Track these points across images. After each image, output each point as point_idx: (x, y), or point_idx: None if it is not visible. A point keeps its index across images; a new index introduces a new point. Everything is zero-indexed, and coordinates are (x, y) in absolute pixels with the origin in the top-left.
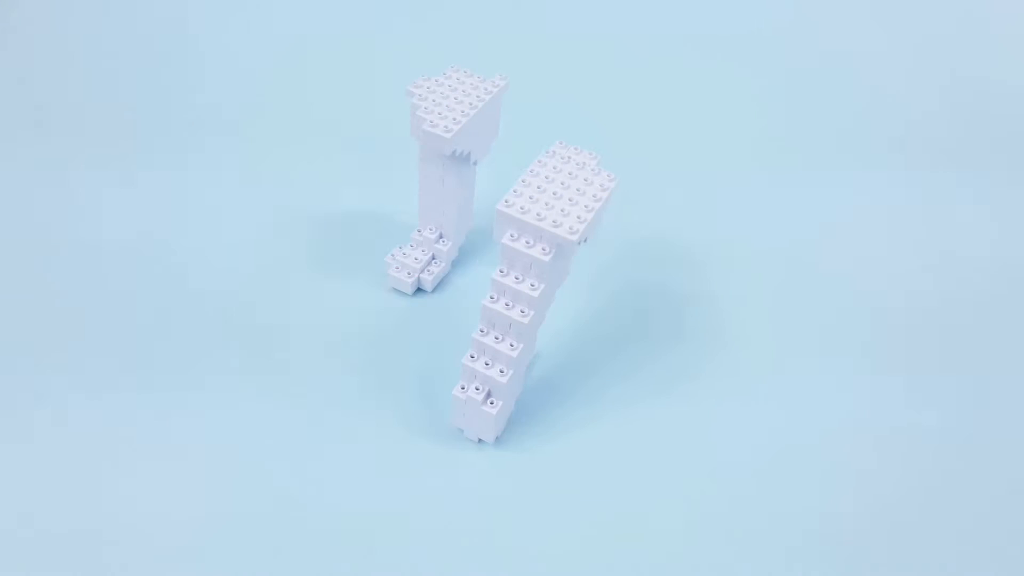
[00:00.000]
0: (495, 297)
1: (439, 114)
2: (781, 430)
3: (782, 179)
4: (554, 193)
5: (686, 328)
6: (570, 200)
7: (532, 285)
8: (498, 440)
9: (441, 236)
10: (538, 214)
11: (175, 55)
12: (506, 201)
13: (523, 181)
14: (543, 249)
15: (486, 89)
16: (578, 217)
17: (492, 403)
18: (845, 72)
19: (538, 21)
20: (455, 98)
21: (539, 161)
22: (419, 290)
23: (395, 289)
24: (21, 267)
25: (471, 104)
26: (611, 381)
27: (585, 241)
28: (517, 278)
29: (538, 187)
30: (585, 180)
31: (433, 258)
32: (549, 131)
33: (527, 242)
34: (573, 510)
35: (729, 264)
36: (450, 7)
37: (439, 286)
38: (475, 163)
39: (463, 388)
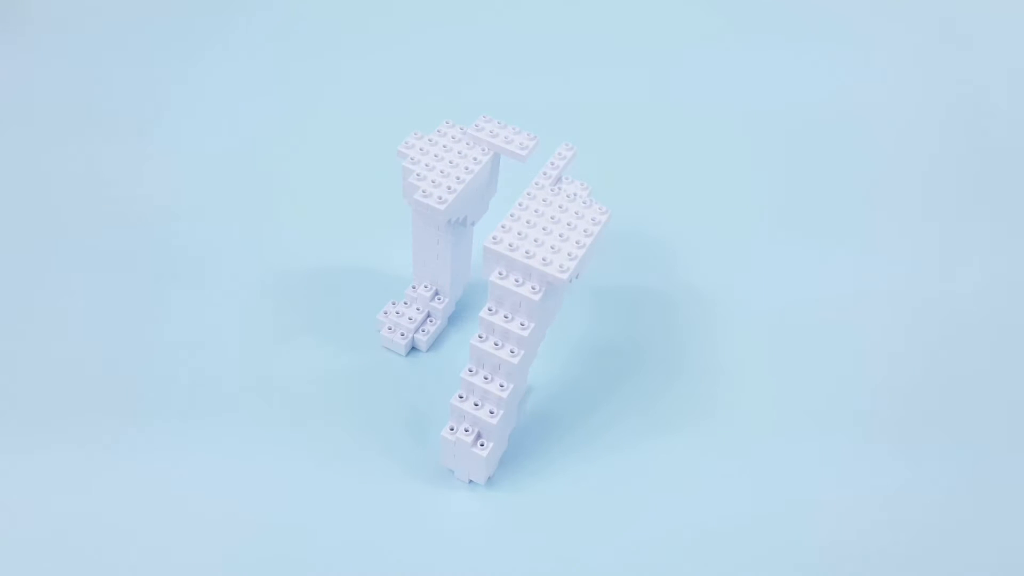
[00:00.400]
0: (484, 336)
1: (432, 181)
2: (776, 473)
3: (794, 238)
4: (544, 228)
5: (684, 364)
6: (560, 236)
7: (522, 324)
8: (490, 480)
9: (437, 294)
10: (527, 251)
11: (154, 104)
12: (494, 237)
13: (511, 216)
14: (533, 288)
15: (482, 151)
16: (568, 254)
17: (482, 445)
18: (862, 145)
19: (519, 18)
20: (449, 161)
21: (527, 194)
22: (414, 349)
23: (387, 349)
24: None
25: (466, 168)
26: (607, 417)
27: (577, 278)
28: (506, 316)
29: (527, 222)
30: (576, 214)
31: (428, 316)
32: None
33: (516, 280)
34: (566, 553)
35: (726, 303)
36: (445, 44)
37: (434, 344)
38: (472, 224)
39: (452, 429)
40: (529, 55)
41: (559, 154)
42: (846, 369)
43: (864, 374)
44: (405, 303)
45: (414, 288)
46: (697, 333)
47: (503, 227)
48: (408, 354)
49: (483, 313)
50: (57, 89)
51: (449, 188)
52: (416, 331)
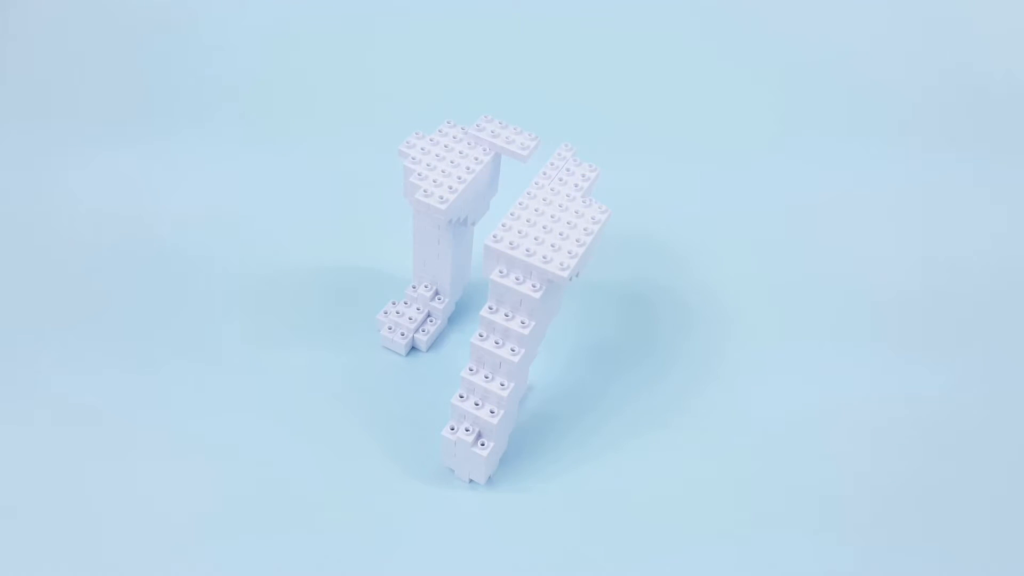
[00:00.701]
0: (484, 334)
1: (433, 181)
2: (780, 472)
3: (778, 163)
4: (544, 227)
5: (685, 361)
6: (560, 234)
7: (522, 322)
8: (490, 480)
9: (437, 294)
10: (527, 249)
11: (151, 83)
12: (494, 236)
13: (512, 214)
14: (533, 286)
15: (483, 151)
16: (569, 252)
17: (483, 444)
18: (841, 57)
19: (520, 18)
20: (451, 161)
21: (528, 193)
22: (414, 348)
23: (388, 348)
24: (22, 251)
25: (467, 169)
26: (607, 415)
27: (577, 276)
28: (507, 315)
29: (527, 220)
30: (576, 212)
31: (428, 316)
32: (542, 133)
33: (517, 278)
34: (567, 552)
35: (730, 297)
36: (446, 33)
37: (434, 344)
38: (473, 224)
39: (452, 429)
40: (530, 54)
41: (559, 154)
42: (853, 368)
43: (872, 375)
44: (405, 303)
45: (414, 288)
46: (699, 329)
47: (504, 226)
48: (408, 354)
49: (483, 312)
50: (54, 89)
51: (450, 188)
52: (416, 331)
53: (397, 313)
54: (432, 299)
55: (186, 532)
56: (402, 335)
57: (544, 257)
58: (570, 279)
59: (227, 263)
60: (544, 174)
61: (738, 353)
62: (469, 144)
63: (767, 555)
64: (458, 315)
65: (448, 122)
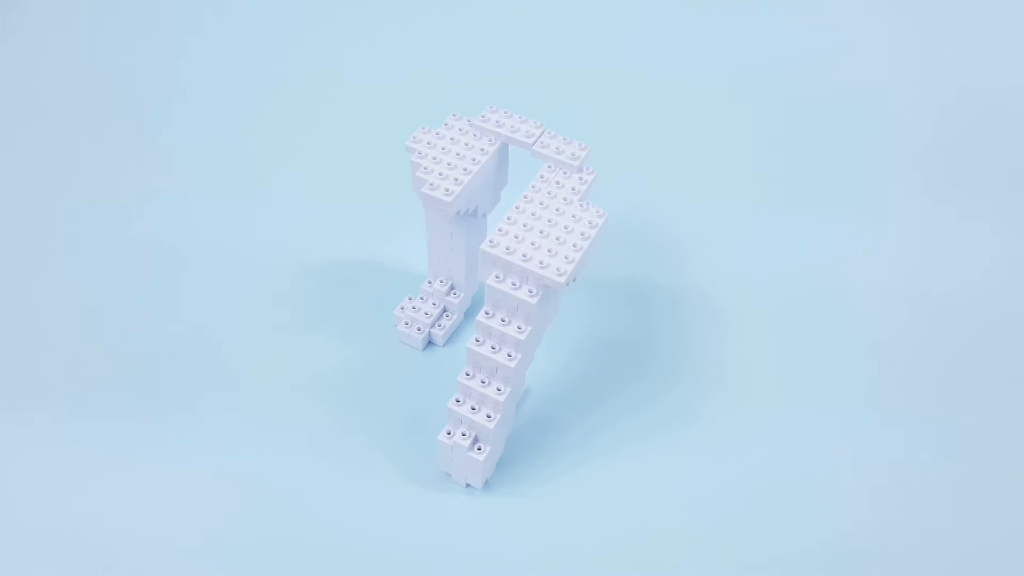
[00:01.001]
0: (481, 340)
1: (439, 174)
2: (779, 473)
3: (784, 212)
4: (540, 232)
5: (684, 362)
6: (557, 239)
7: (519, 328)
8: (487, 484)
9: (453, 288)
10: (524, 255)
11: (163, 90)
12: (490, 241)
13: (508, 219)
14: (530, 291)
15: (488, 141)
16: (566, 257)
17: (479, 449)
18: (848, 105)
19: (534, 32)
20: (456, 153)
21: (524, 197)
22: (430, 343)
23: (404, 344)
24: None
25: (473, 160)
26: (605, 418)
27: (574, 281)
28: (503, 320)
29: (524, 225)
30: (573, 217)
31: (444, 311)
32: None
33: (513, 284)
34: (564, 557)
35: (729, 297)
36: (452, 32)
37: (451, 339)
38: (484, 215)
39: (449, 433)
40: (534, 49)
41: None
42: (854, 365)
43: (873, 368)
44: (421, 298)
45: (430, 283)
46: (697, 329)
47: (500, 230)
48: (425, 348)
49: (480, 316)
50: (63, 81)
51: (456, 180)
52: (433, 326)
53: (413, 308)
54: (448, 294)
55: (183, 532)
56: (419, 330)
57: (541, 262)
58: (567, 285)
59: (242, 261)
60: (541, 177)
61: (740, 358)
62: (474, 136)
63: (766, 559)
64: (474, 310)
65: (454, 115)
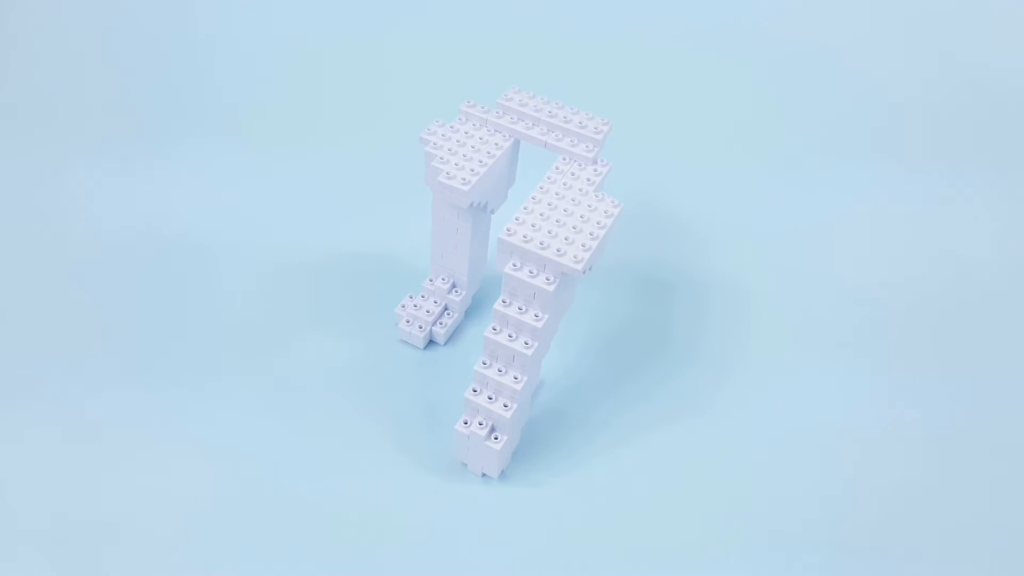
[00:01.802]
0: (498, 328)
1: (456, 164)
2: (796, 460)
3: (773, 175)
4: (557, 220)
5: (701, 352)
6: (574, 228)
7: (536, 315)
8: (503, 474)
9: (454, 286)
10: (541, 242)
11: (167, 80)
12: (508, 229)
13: (525, 208)
14: (547, 279)
15: (503, 137)
16: (583, 245)
17: (496, 438)
18: (834, 64)
19: (533, 19)
20: (472, 146)
21: (541, 187)
22: (432, 342)
23: (405, 342)
24: (25, 263)
25: (489, 153)
26: (620, 407)
27: (590, 269)
28: (520, 308)
29: (541, 214)
30: (589, 207)
31: (446, 309)
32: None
33: (531, 271)
34: (579, 547)
35: (741, 279)
36: (462, 31)
37: (452, 338)
38: (492, 212)
39: (466, 423)
40: (549, 40)
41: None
42: (876, 340)
43: (892, 374)
44: (423, 296)
45: (431, 281)
46: (715, 319)
47: (517, 219)
48: (426, 347)
49: (497, 305)
50: (64, 91)
51: (472, 171)
52: (434, 324)
53: (415, 307)
54: (449, 292)
55: (197, 528)
56: (420, 328)
57: (558, 250)
58: (584, 272)
59: (243, 258)
60: (557, 168)
61: (756, 350)
62: (489, 131)
63: (777, 558)
64: (475, 308)
65: (468, 103)
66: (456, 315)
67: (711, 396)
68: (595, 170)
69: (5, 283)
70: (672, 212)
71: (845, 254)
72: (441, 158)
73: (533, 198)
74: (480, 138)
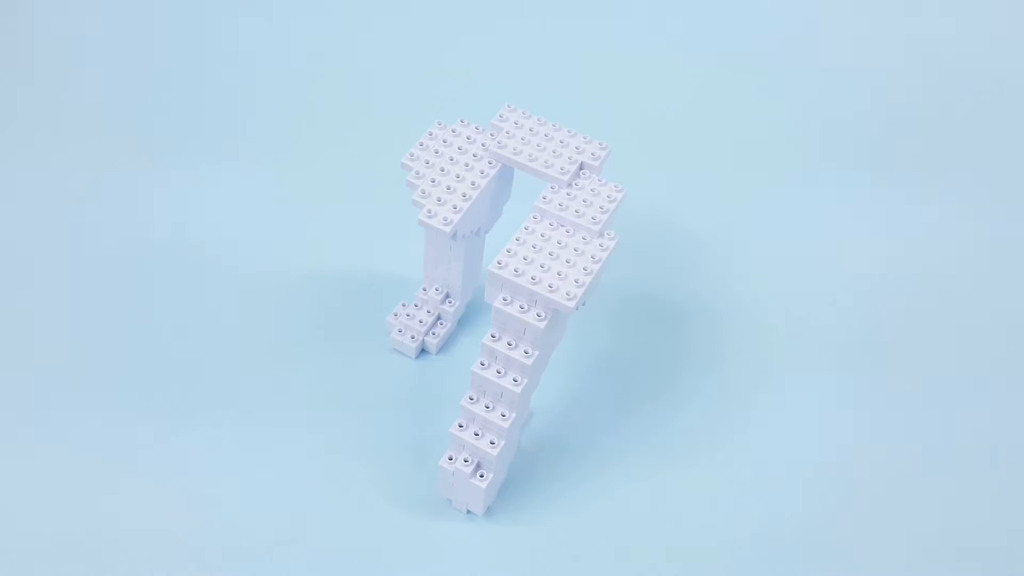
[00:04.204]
0: (486, 363)
1: (438, 199)
2: (791, 492)
3: (775, 190)
4: (550, 253)
5: (698, 385)
6: (567, 261)
7: (526, 352)
8: (488, 511)
9: (448, 297)
10: (532, 277)
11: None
12: (499, 262)
13: (517, 239)
14: (538, 315)
15: (489, 163)
16: (576, 281)
17: (482, 476)
18: (831, 77)
19: (539, 31)
20: (456, 175)
21: (533, 217)
22: (424, 351)
23: (397, 351)
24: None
25: (473, 184)
26: (611, 443)
27: (583, 304)
28: (510, 344)
29: (533, 246)
30: (583, 239)
31: (439, 319)
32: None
33: (521, 307)
34: None
35: (755, 323)
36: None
37: (444, 347)
38: (486, 233)
39: (451, 459)
40: (547, 50)
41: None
42: (886, 405)
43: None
44: (416, 305)
45: (424, 290)
46: (728, 348)
47: (508, 251)
48: (418, 356)
49: (485, 340)
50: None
51: (455, 207)
52: (426, 334)
53: (407, 316)
54: (443, 302)
55: (165, 546)
56: (412, 338)
57: (550, 286)
58: (576, 309)
59: (235, 266)
60: (544, 198)
61: (758, 379)
62: (475, 155)
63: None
64: (468, 317)
65: (461, 121)
66: (449, 325)
67: (720, 433)
68: (608, 196)
69: None
70: (674, 228)
71: (851, 270)
72: (423, 191)
73: (526, 228)
74: (465, 164)
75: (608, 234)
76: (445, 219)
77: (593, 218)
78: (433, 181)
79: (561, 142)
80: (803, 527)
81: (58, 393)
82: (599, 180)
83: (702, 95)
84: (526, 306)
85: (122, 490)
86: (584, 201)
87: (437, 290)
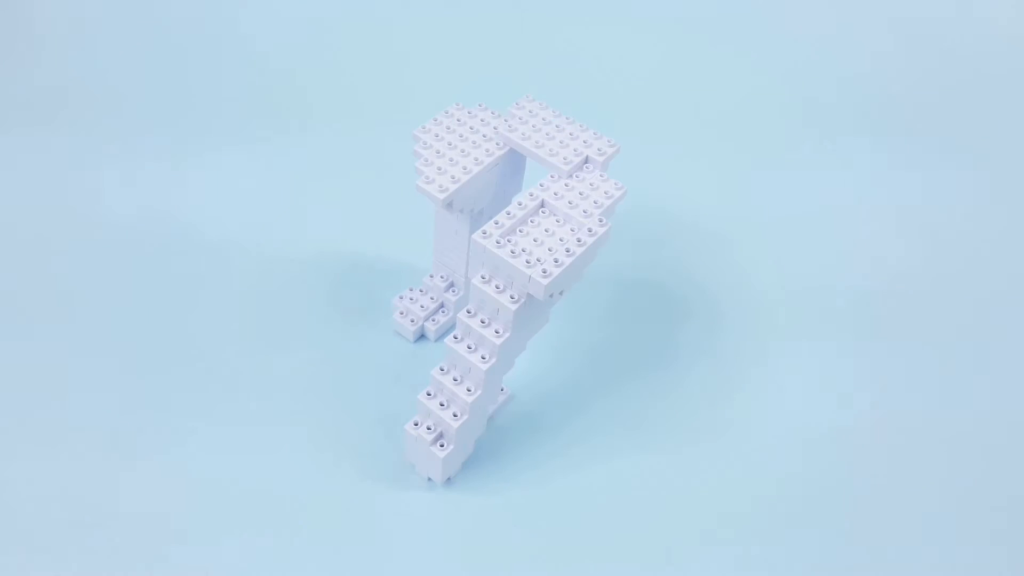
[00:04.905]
0: (459, 337)
1: (438, 169)
2: (767, 481)
3: (796, 160)
4: (535, 240)
5: (673, 370)
6: (550, 247)
7: (497, 331)
8: (450, 481)
9: (452, 286)
10: (512, 251)
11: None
12: (484, 231)
13: (508, 213)
14: (512, 297)
15: (497, 145)
16: (555, 260)
17: (442, 446)
18: (822, 52)
19: (528, 17)
20: (461, 150)
21: (529, 194)
22: (423, 337)
23: (398, 333)
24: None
25: (476, 160)
26: (588, 422)
27: (560, 294)
28: (483, 321)
29: (521, 229)
30: (571, 229)
31: (441, 307)
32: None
33: (497, 287)
34: (519, 558)
35: (734, 308)
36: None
37: (444, 335)
38: (491, 218)
39: (416, 424)
40: (557, 40)
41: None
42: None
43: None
44: (421, 290)
45: (431, 277)
46: (696, 338)
47: (496, 222)
48: (416, 341)
49: (461, 314)
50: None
51: (453, 178)
52: (426, 319)
53: (411, 300)
54: (446, 290)
55: (136, 519)
56: (412, 321)
57: (527, 261)
58: (550, 295)
59: (248, 246)
60: (551, 177)
61: (735, 368)
62: (485, 136)
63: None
64: None
65: (480, 105)
66: (450, 314)
67: (698, 415)
68: (605, 192)
69: None
70: (665, 210)
71: (848, 247)
72: (426, 160)
73: (519, 203)
74: (473, 143)
75: (601, 220)
76: (441, 186)
77: (585, 211)
78: (438, 152)
79: (571, 134)
80: (774, 508)
81: (48, 395)
82: (601, 176)
83: (683, 66)
84: (502, 286)
85: (133, 469)
86: (581, 193)
87: (443, 278)
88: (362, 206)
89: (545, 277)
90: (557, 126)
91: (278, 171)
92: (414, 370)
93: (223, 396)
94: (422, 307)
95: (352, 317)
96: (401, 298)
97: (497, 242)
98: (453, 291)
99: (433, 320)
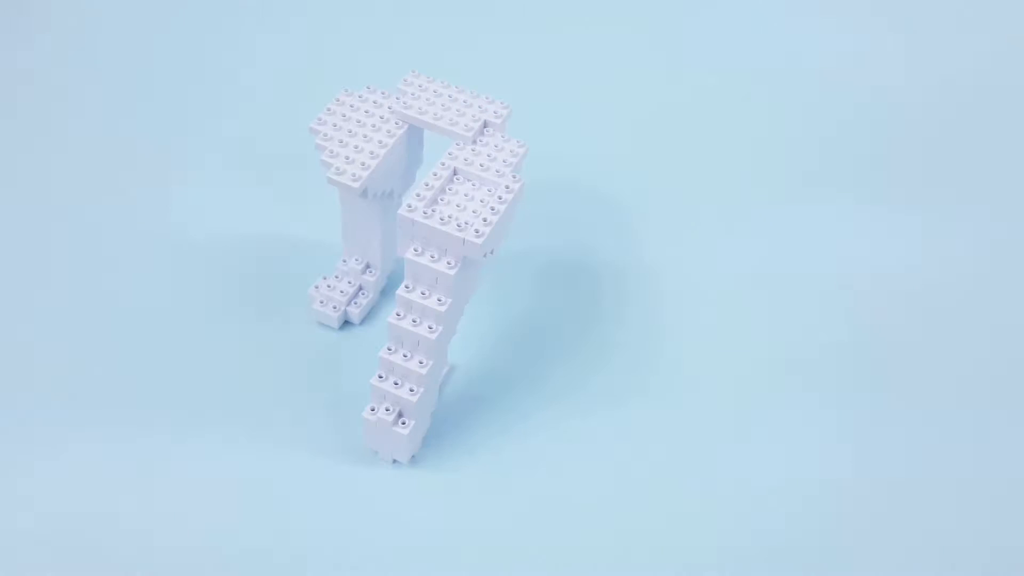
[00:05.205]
0: (401, 314)
1: (346, 158)
2: (714, 448)
3: (746, 209)
4: (458, 205)
5: (619, 342)
6: (474, 211)
7: (439, 300)
8: (414, 459)
9: (368, 267)
10: (441, 219)
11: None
12: (408, 205)
13: (426, 184)
14: (448, 263)
15: (396, 124)
16: (484, 219)
17: (404, 424)
18: (799, 88)
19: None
20: (364, 136)
21: (441, 163)
22: (347, 322)
23: (321, 323)
24: None
25: (380, 143)
26: (532, 390)
27: (492, 253)
28: (423, 293)
29: (441, 198)
30: (488, 190)
31: (360, 289)
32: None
33: (432, 256)
34: (489, 529)
35: (676, 283)
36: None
37: (368, 317)
38: (399, 196)
39: (373, 409)
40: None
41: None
42: (796, 346)
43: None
44: (336, 276)
45: (344, 261)
46: (638, 310)
47: (417, 195)
48: (341, 327)
49: (400, 291)
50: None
51: (363, 164)
52: (348, 304)
53: (328, 287)
54: (363, 273)
55: (93, 523)
56: (334, 308)
57: (458, 226)
58: (484, 255)
59: (152, 239)
60: (456, 145)
61: (680, 336)
62: (382, 117)
63: (701, 531)
64: (390, 288)
65: (368, 87)
66: (371, 295)
67: (632, 384)
68: (511, 151)
69: None
70: (611, 196)
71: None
72: (331, 151)
73: (434, 174)
74: (372, 126)
75: (514, 176)
76: (354, 175)
77: (498, 171)
78: (341, 142)
79: (464, 102)
80: (704, 476)
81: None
82: (503, 136)
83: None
84: (436, 255)
85: (52, 463)
86: (488, 156)
87: (357, 260)
88: (247, 203)
89: (479, 237)
90: (450, 96)
91: None
92: (348, 356)
93: (151, 403)
94: (341, 292)
95: (267, 315)
96: (317, 287)
97: (424, 213)
98: (370, 272)
99: (355, 303)
